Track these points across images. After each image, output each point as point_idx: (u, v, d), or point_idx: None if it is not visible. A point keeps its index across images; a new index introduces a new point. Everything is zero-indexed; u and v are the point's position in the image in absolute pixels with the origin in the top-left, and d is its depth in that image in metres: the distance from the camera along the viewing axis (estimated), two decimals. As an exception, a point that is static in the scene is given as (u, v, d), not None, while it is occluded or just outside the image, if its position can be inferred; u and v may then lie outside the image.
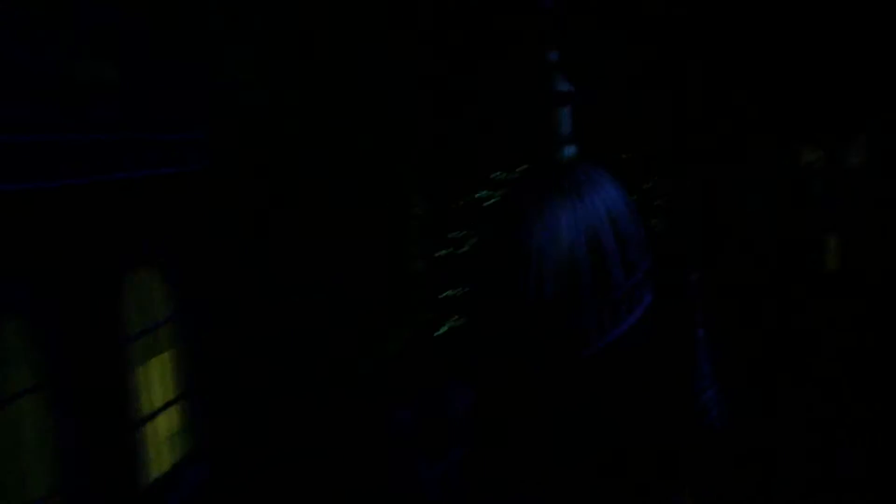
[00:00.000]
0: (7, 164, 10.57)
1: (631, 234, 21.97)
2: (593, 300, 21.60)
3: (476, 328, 21.99)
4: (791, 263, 25.75)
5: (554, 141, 22.75)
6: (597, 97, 23.36)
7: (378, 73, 22.33)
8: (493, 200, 23.72)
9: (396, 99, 23.45)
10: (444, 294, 24.19)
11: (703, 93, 23.84)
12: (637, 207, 22.49)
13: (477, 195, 24.45)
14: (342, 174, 21.99)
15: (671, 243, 23.66)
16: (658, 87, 24.10)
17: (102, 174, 12.29)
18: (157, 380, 13.77)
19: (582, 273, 21.36)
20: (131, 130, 12.98)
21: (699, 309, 22.47)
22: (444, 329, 23.90)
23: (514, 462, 21.87)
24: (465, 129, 24.38)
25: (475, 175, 24.51)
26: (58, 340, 11.26)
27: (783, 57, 25.27)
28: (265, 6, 19.63)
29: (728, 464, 21.95)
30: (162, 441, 14.00)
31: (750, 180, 24.70)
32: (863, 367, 22.24)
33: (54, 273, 11.27)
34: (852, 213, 26.28)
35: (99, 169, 12.18)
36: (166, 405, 14.26)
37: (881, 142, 24.62)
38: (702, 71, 23.67)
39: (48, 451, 11.23)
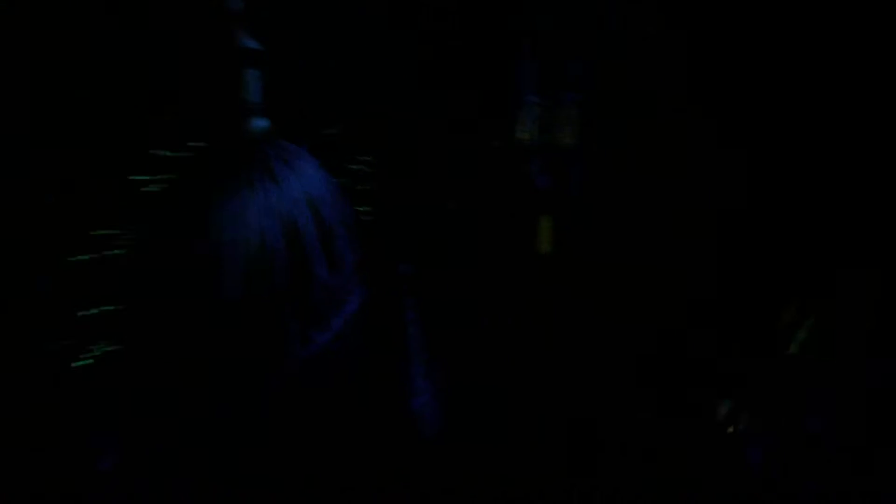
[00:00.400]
0: None
1: (336, 223, 17.94)
2: (293, 304, 17.15)
3: (134, 354, 16.39)
4: (505, 248, 23.47)
5: (239, 111, 17.77)
6: (297, 60, 18.86)
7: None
8: (157, 185, 18.02)
9: None
10: (87, 313, 18.01)
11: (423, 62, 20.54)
12: (344, 192, 18.42)
13: (134, 179, 18.53)
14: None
15: (382, 231, 19.99)
16: (375, 51, 20.22)
17: None
18: None
19: (277, 273, 16.82)
20: None
21: (412, 304, 19.14)
22: (85, 360, 17.77)
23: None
24: (115, 91, 18.33)
25: (132, 152, 18.57)
26: None
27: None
28: None
29: (439, 483, 18.93)
30: None
31: (460, 159, 21.92)
32: (586, 357, 20.50)
33: None
34: (565, 193, 24.76)
35: None
36: None
37: (595, 122, 23.33)
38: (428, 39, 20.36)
39: None
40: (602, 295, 22.93)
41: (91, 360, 17.38)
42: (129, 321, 16.64)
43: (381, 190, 20.54)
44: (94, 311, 17.58)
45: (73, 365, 17.19)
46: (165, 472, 15.85)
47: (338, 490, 18.14)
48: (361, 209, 19.58)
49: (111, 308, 17.38)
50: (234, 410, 17.35)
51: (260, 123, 18.30)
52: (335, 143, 20.17)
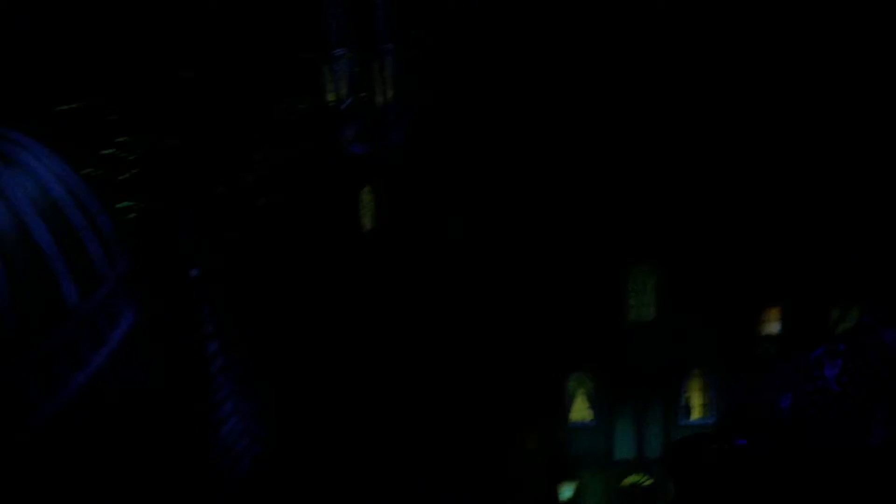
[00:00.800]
0: None
1: (86, 230, 13.63)
2: (26, 343, 12.98)
3: None
4: (326, 226, 19.97)
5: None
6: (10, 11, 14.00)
7: None
8: None
9: None
10: None
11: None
12: (95, 186, 14.13)
13: None
14: None
15: (159, 229, 15.81)
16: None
17: None
18: None
19: None
20: None
21: (209, 315, 15.37)
22: None
23: None
24: None
25: None
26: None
27: None
28: None
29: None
30: None
31: (257, 128, 18.07)
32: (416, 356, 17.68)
33: None
34: (385, 160, 21.42)
35: None
36: None
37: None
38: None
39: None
40: (429, 277, 20.06)
41: None
42: None
43: (151, 178, 16.12)
44: None
45: None
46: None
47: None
48: (125, 206, 15.19)
49: None
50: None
51: (-43, 105, 13.50)
52: (78, 122, 15.33)
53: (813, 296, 20.44)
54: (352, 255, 20.00)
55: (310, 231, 19.16)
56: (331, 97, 20.72)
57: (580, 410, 21.37)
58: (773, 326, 20.92)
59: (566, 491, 20.73)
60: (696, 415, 20.99)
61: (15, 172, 13.41)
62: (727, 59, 18.46)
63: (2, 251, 12.61)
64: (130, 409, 14.65)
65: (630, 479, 21.18)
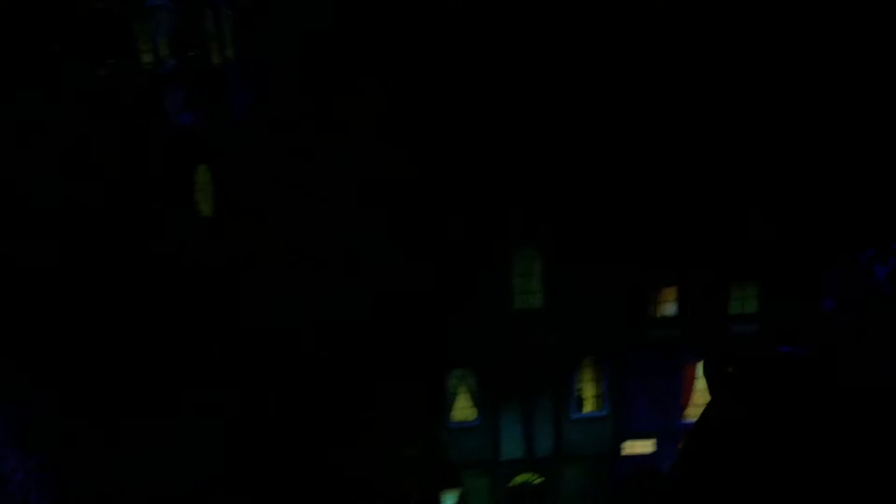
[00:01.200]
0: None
1: None
2: None
3: None
4: (148, 218, 16.25)
5: None
6: None
7: None
8: None
9: None
10: None
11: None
12: None
13: None
14: None
15: None
16: None
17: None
18: None
19: None
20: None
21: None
22: None
23: None
24: None
25: None
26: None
27: None
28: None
29: None
30: None
31: (42, 100, 14.12)
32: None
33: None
34: (222, 132, 17.87)
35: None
36: None
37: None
38: None
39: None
40: (284, 266, 16.80)
41: None
42: None
43: None
44: None
45: None
46: None
47: None
48: None
49: None
50: None
51: None
52: None
53: (711, 273, 18.37)
54: (185, 249, 16.40)
55: (125, 226, 15.42)
56: (146, 59, 16.68)
57: (463, 409, 18.87)
58: (668, 308, 18.89)
59: (449, 499, 18.33)
60: (588, 407, 18.89)
61: None
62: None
63: None
64: None
65: (519, 479, 19.03)
